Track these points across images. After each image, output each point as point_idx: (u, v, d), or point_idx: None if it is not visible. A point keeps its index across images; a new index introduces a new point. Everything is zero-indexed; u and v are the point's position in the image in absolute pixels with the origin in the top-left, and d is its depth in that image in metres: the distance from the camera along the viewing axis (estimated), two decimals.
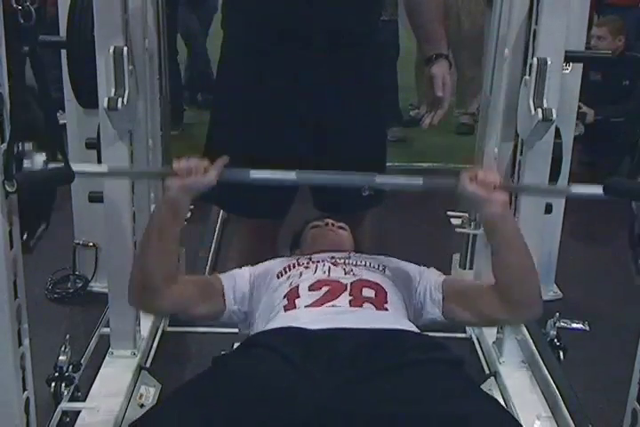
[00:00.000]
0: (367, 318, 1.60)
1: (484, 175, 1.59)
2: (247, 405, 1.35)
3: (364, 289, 1.70)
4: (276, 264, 1.86)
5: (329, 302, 1.66)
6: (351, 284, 1.71)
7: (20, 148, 1.47)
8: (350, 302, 1.66)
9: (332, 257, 1.85)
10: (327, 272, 1.77)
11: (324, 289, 1.69)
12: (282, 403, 1.35)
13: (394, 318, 1.65)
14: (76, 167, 1.53)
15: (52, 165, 1.52)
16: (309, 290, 1.70)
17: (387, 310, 1.67)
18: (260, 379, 1.41)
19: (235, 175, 1.73)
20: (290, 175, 1.77)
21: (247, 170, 1.73)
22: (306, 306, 1.65)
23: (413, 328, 1.64)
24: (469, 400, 1.38)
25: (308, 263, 1.83)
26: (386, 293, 1.71)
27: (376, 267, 1.82)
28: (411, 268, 1.85)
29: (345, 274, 1.76)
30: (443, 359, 1.51)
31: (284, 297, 1.70)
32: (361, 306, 1.65)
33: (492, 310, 1.65)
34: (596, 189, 1.60)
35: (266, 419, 1.34)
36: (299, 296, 1.69)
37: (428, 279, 1.79)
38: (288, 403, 1.35)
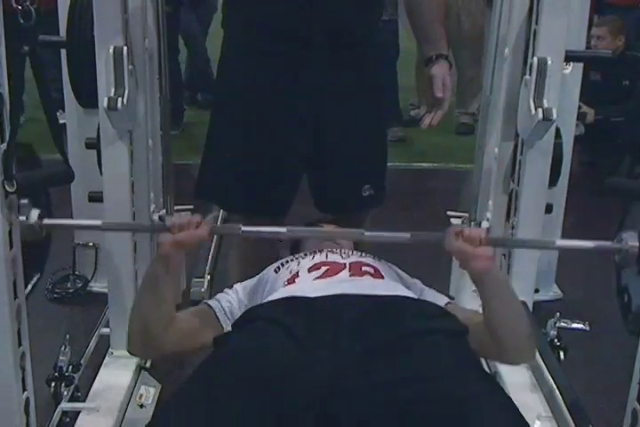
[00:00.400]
0: (367, 286, 1.64)
1: (469, 231, 1.61)
2: (251, 388, 1.36)
3: (362, 267, 1.74)
4: (269, 267, 1.86)
5: (329, 276, 1.69)
6: (349, 263, 1.74)
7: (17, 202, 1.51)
8: (350, 275, 1.70)
9: (328, 248, 1.88)
10: (325, 257, 1.80)
11: (324, 268, 1.72)
12: (286, 384, 1.35)
13: (392, 286, 1.69)
14: (71, 221, 1.54)
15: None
16: (309, 272, 1.72)
17: (384, 278, 1.72)
18: (263, 359, 1.40)
19: (226, 230, 1.77)
20: (280, 230, 1.78)
21: (238, 225, 1.74)
22: (306, 279, 1.68)
23: (412, 295, 1.68)
24: (469, 380, 1.39)
25: (305, 255, 1.85)
26: (382, 275, 1.75)
27: (372, 257, 1.85)
28: (408, 277, 1.86)
29: (342, 258, 1.79)
30: (445, 330, 1.52)
31: (284, 282, 1.71)
32: (361, 277, 1.69)
33: (482, 351, 1.65)
34: (583, 243, 1.65)
35: (270, 400, 1.34)
36: (298, 276, 1.71)
37: (431, 298, 1.78)
38: (292, 384, 1.35)
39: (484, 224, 2.56)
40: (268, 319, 1.50)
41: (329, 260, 1.78)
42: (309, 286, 1.65)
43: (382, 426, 1.32)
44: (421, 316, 1.54)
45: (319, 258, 1.80)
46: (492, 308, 1.62)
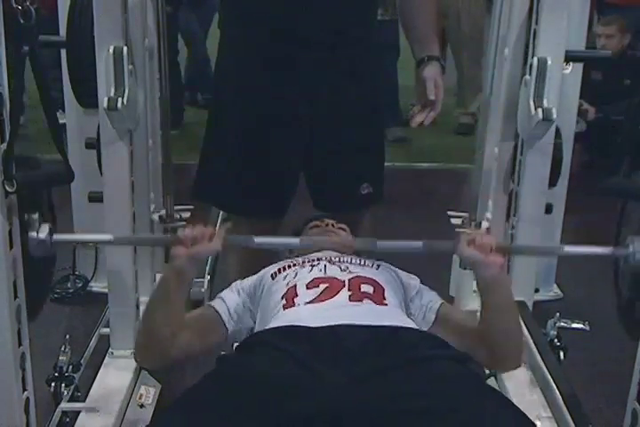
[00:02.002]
0: (368, 314, 1.61)
1: (481, 238, 1.62)
2: (254, 406, 1.35)
3: (362, 285, 1.71)
4: (267, 269, 1.85)
5: (328, 298, 1.66)
6: (349, 280, 1.72)
7: (27, 217, 1.55)
8: (350, 297, 1.66)
9: (326, 257, 1.85)
10: (323, 270, 1.77)
11: (322, 286, 1.69)
12: (289, 403, 1.34)
13: (394, 314, 1.67)
14: (82, 236, 1.55)
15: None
16: (307, 288, 1.70)
17: (386, 305, 1.68)
18: (266, 378, 1.40)
19: (239, 241, 1.79)
20: (293, 241, 1.83)
21: (251, 236, 1.75)
22: (305, 303, 1.66)
23: (413, 325, 1.65)
24: (478, 398, 1.38)
25: (302, 263, 1.82)
26: (383, 289, 1.72)
27: (370, 265, 1.83)
28: (406, 276, 1.85)
29: (341, 271, 1.77)
30: (448, 356, 1.52)
31: (282, 298, 1.69)
32: (361, 301, 1.66)
33: (473, 352, 1.66)
34: (591, 249, 1.68)
35: (273, 419, 1.33)
36: (297, 295, 1.69)
37: (427, 299, 1.79)
38: (296, 403, 1.34)
39: (484, 224, 2.56)
40: (272, 345, 1.50)
41: (328, 275, 1.75)
42: (309, 313, 1.62)
43: None
44: (424, 345, 1.53)
45: (317, 271, 1.77)
46: (493, 316, 1.65)
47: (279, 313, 1.66)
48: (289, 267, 1.82)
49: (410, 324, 1.65)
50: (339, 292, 1.68)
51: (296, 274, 1.77)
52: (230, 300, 1.79)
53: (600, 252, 1.68)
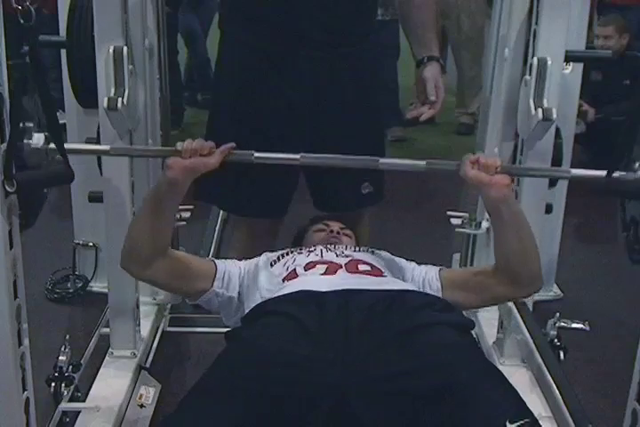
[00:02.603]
0: (370, 283, 1.66)
1: (485, 160, 1.62)
2: (267, 383, 1.39)
3: (359, 265, 1.75)
4: (268, 256, 1.88)
5: (329, 274, 1.70)
6: (345, 263, 1.75)
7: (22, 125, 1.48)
8: (349, 273, 1.71)
9: (323, 245, 1.89)
10: (320, 255, 1.81)
11: (321, 267, 1.73)
12: (299, 378, 1.39)
13: (394, 282, 1.71)
14: (77, 145, 1.53)
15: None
16: (305, 270, 1.74)
17: (385, 276, 1.73)
18: (277, 355, 1.44)
19: (238, 157, 1.73)
20: (293, 157, 1.78)
21: (250, 152, 1.73)
22: (309, 276, 1.70)
23: (414, 287, 1.70)
24: (474, 377, 1.42)
25: (300, 250, 1.87)
26: (380, 268, 1.77)
27: (365, 251, 1.87)
28: (400, 259, 1.89)
29: (337, 257, 1.80)
30: (452, 323, 1.55)
31: (283, 280, 1.73)
32: (360, 274, 1.71)
33: (495, 291, 1.70)
34: (597, 173, 1.65)
35: (285, 396, 1.38)
36: (297, 276, 1.72)
37: (423, 271, 1.82)
38: (305, 379, 1.39)
39: (484, 224, 2.56)
40: (281, 313, 1.53)
41: (324, 259, 1.78)
42: (317, 280, 1.67)
43: (393, 415, 1.37)
44: (427, 308, 1.57)
45: (314, 255, 1.81)
46: (507, 236, 1.65)
47: (283, 284, 1.70)
48: (287, 254, 1.86)
49: (411, 286, 1.70)
50: (337, 271, 1.72)
51: (295, 260, 1.80)
52: (230, 266, 1.82)
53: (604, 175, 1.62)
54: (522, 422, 1.34)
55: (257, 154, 1.73)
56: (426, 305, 1.59)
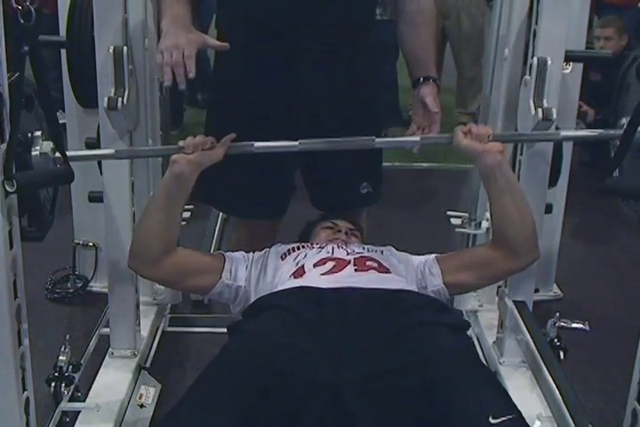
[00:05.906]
0: (372, 280, 1.68)
1: (477, 129, 1.67)
2: (266, 377, 1.41)
3: (367, 262, 1.78)
4: (279, 248, 1.90)
5: (336, 272, 1.72)
6: (354, 259, 1.78)
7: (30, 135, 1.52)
8: (355, 270, 1.73)
9: (334, 243, 1.91)
10: (331, 252, 1.83)
11: (330, 264, 1.75)
12: (297, 373, 1.41)
13: (397, 280, 1.73)
14: (82, 152, 1.54)
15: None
16: (314, 267, 1.76)
17: (390, 273, 1.75)
18: (278, 349, 1.45)
19: (239, 149, 1.80)
20: (292, 144, 1.84)
21: (250, 143, 1.81)
22: (313, 274, 1.72)
23: (415, 289, 1.73)
24: (465, 377, 1.44)
25: (312, 245, 1.89)
26: (387, 267, 1.79)
27: (374, 250, 1.89)
28: (405, 253, 1.93)
29: (347, 254, 1.82)
30: (446, 323, 1.57)
31: (291, 276, 1.74)
32: (366, 271, 1.73)
33: (492, 263, 1.74)
34: (586, 133, 1.71)
35: (284, 389, 1.40)
36: (305, 272, 1.74)
37: (423, 259, 1.86)
38: (302, 374, 1.41)
39: (484, 224, 2.56)
40: (281, 307, 1.55)
41: (335, 255, 1.80)
42: (318, 279, 1.69)
43: (383, 411, 1.39)
44: (423, 308, 1.59)
45: (325, 252, 1.83)
46: (503, 201, 1.69)
47: (288, 281, 1.72)
48: (298, 249, 1.88)
49: (411, 287, 1.72)
50: (345, 267, 1.74)
51: (305, 255, 1.82)
52: (237, 257, 1.85)
53: (595, 134, 1.76)
54: (505, 418, 1.35)
55: (257, 144, 1.80)
56: (422, 305, 1.61)
